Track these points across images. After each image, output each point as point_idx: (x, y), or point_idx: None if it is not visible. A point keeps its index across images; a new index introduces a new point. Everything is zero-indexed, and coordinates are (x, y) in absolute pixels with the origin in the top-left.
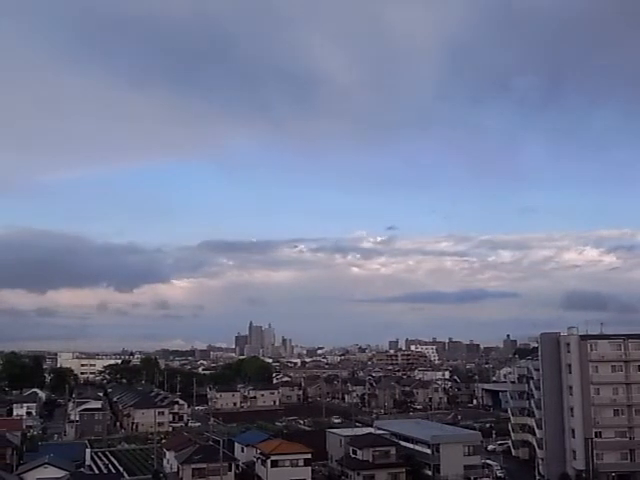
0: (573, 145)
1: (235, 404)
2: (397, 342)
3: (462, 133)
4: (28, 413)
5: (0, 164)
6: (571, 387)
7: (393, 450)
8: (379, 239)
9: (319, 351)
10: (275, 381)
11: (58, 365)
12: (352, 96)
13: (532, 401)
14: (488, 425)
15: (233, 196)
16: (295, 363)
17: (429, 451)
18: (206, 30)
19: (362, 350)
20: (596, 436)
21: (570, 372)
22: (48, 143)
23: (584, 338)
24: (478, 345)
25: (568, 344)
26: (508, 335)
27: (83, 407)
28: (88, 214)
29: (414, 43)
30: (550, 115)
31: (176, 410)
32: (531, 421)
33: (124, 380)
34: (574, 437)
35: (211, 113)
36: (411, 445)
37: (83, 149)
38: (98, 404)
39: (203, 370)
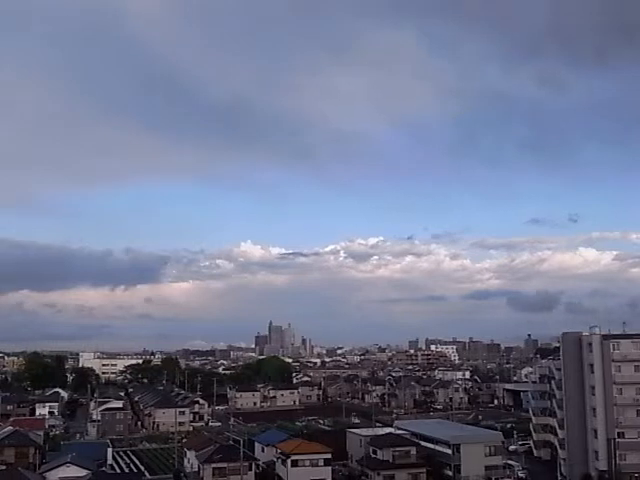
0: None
1: (255, 404)
2: (417, 342)
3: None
4: (50, 413)
5: (20, 182)
6: (593, 387)
7: (413, 450)
8: (398, 245)
9: (339, 351)
10: (295, 381)
11: (80, 365)
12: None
13: (554, 401)
14: (509, 425)
15: (266, 211)
16: (315, 363)
17: (450, 451)
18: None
19: (382, 350)
20: (619, 436)
21: (592, 372)
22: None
23: (606, 337)
24: (499, 345)
25: (590, 344)
26: (529, 335)
27: (105, 407)
28: (112, 225)
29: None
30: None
31: (197, 410)
32: (553, 421)
33: (145, 380)
34: (596, 437)
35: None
36: (431, 445)
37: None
38: (119, 404)
39: (223, 370)
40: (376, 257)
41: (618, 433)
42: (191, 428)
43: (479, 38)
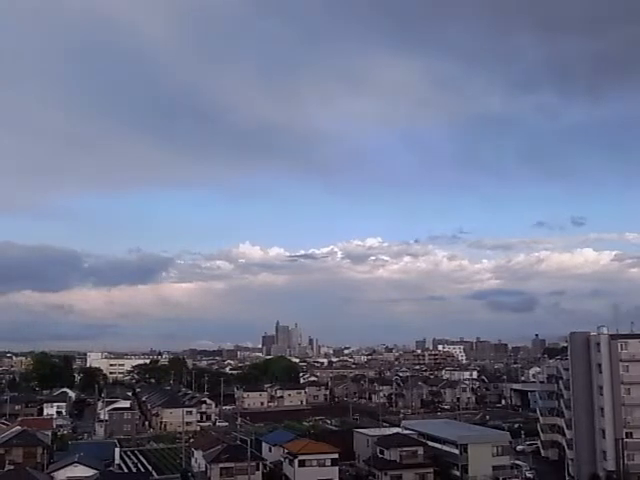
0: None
1: (262, 404)
2: (424, 342)
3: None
4: (58, 412)
5: (36, 190)
6: (601, 387)
7: (421, 450)
8: (405, 247)
9: (346, 351)
10: (302, 381)
11: (87, 365)
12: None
13: (562, 401)
14: (517, 425)
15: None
16: (322, 363)
17: (457, 451)
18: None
19: (389, 350)
20: (627, 436)
21: (600, 372)
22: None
23: (614, 337)
24: (506, 345)
25: (598, 343)
26: (537, 334)
27: (112, 406)
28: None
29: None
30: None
31: (204, 409)
32: (561, 421)
33: (152, 380)
34: (604, 437)
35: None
36: (439, 445)
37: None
38: (127, 403)
39: (230, 370)
40: (383, 259)
41: (626, 433)
42: (198, 428)
43: (480, 72)
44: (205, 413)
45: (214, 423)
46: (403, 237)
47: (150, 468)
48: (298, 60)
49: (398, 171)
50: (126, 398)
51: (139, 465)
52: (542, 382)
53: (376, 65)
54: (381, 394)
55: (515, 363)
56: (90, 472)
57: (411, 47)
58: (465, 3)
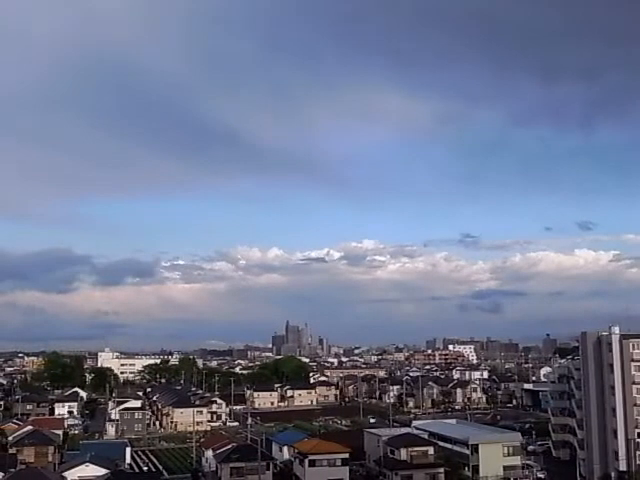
0: None
1: (272, 403)
2: (434, 342)
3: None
4: (69, 412)
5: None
6: (613, 387)
7: (431, 450)
8: (416, 247)
9: (356, 351)
10: (312, 381)
11: (98, 365)
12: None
13: (573, 401)
14: (528, 425)
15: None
16: (332, 363)
17: (468, 451)
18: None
19: (399, 350)
20: (638, 437)
21: (612, 372)
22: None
23: (626, 337)
24: (517, 344)
25: (609, 343)
26: (548, 334)
27: (123, 406)
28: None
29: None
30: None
31: (214, 409)
32: (572, 422)
33: (163, 380)
34: (616, 438)
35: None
36: (449, 445)
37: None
38: (138, 403)
39: (241, 370)
40: (393, 260)
41: (638, 433)
42: (209, 428)
43: (482, 106)
44: (215, 413)
45: (224, 423)
46: (410, 241)
47: (161, 468)
48: (305, 83)
49: (413, 182)
50: (137, 398)
51: (150, 465)
52: (553, 382)
53: (382, 94)
54: (391, 394)
55: (526, 363)
56: (101, 472)
57: (418, 84)
58: (470, 47)
